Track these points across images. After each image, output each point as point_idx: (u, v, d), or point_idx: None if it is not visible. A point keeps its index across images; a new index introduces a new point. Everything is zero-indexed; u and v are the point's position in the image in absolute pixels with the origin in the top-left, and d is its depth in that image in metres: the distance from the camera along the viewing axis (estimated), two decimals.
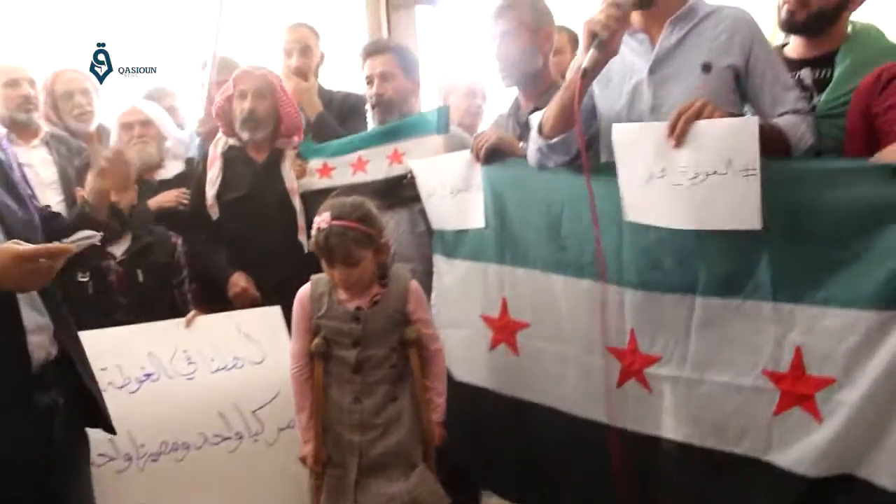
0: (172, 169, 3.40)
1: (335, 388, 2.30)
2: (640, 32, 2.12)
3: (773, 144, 1.84)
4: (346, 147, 3.00)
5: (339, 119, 3.49)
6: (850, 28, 2.20)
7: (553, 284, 2.27)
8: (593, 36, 1.91)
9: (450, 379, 2.49)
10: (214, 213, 3.05)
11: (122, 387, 2.51)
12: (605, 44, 1.91)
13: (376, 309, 2.28)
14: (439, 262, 2.71)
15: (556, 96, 2.13)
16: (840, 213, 1.67)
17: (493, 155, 2.42)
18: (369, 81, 3.00)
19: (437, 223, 2.69)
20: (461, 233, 2.58)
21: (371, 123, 3.23)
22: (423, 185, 2.67)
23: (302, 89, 3.43)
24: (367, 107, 3.07)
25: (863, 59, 2.09)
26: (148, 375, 2.56)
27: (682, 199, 1.82)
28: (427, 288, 2.68)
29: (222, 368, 2.64)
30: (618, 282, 2.09)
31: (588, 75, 1.94)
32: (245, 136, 3.06)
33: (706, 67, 2.02)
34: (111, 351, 2.52)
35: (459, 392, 2.55)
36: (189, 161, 3.46)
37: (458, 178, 2.53)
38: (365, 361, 2.26)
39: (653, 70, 2.09)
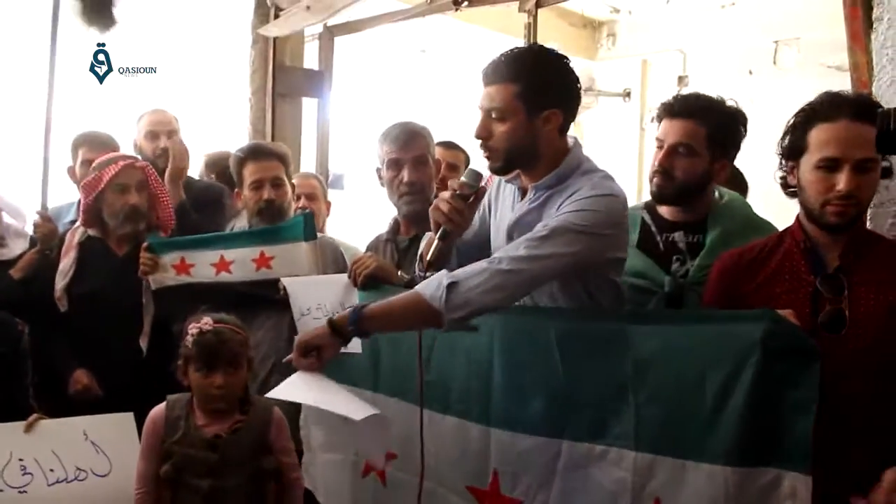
0: (15, 247, 3.14)
1: None
2: (518, 188, 2.11)
3: (404, 312, 1.91)
4: (202, 243, 2.89)
5: (195, 209, 3.37)
6: (717, 195, 2.35)
7: (418, 417, 2.24)
8: (438, 226, 1.97)
9: None
10: (62, 305, 2.90)
11: None
12: (449, 234, 1.98)
13: (235, 437, 2.21)
14: None
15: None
16: (698, 368, 1.75)
17: (371, 280, 2.42)
18: (258, 186, 2.85)
19: None
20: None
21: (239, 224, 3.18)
22: (296, 304, 2.61)
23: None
24: (246, 211, 2.96)
25: (729, 229, 2.24)
26: None
27: None
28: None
29: (62, 480, 2.43)
30: (486, 421, 2.10)
31: (434, 265, 1.97)
32: (126, 229, 2.94)
33: None
34: None
35: None
36: (34, 240, 3.23)
37: (336, 301, 2.49)
38: (217, 492, 2.17)
39: (511, 228, 2.07)
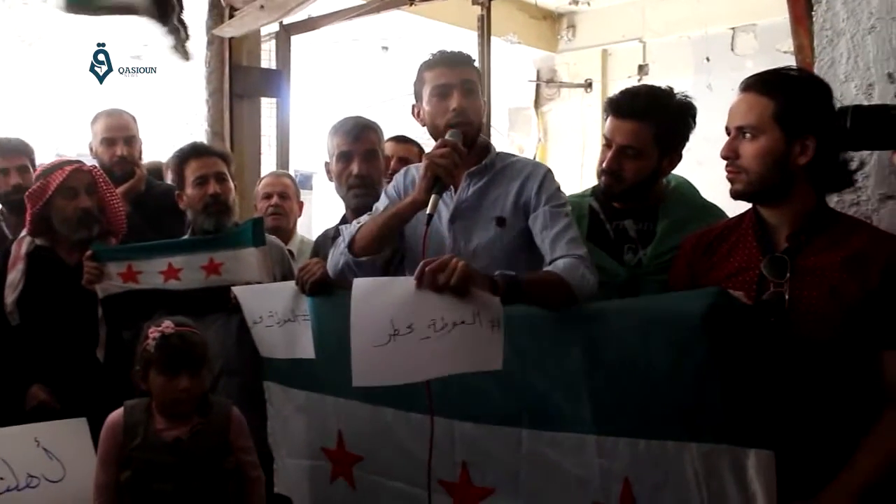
0: None
1: None
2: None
3: (553, 289, 1.92)
4: (149, 250, 2.77)
5: (154, 214, 3.27)
6: (665, 182, 2.33)
7: (384, 417, 2.24)
8: (436, 179, 1.97)
9: None
10: (13, 319, 2.80)
11: None
12: (445, 188, 2.00)
13: (196, 439, 2.19)
14: (275, 389, 2.60)
15: (378, 216, 2.17)
16: (647, 349, 1.75)
17: (320, 286, 2.34)
18: (202, 181, 2.75)
19: (265, 351, 2.58)
20: (295, 361, 2.48)
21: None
22: (248, 312, 2.56)
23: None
24: (190, 210, 2.83)
25: (680, 217, 2.23)
26: None
27: (430, 351, 1.80)
28: (257, 403, 2.59)
29: (13, 489, 2.40)
30: (448, 414, 2.08)
31: (431, 220, 1.97)
32: (80, 235, 2.81)
33: (500, 221, 2.13)
34: None
35: None
36: None
37: (286, 308, 2.44)
38: (181, 495, 2.14)
39: (452, 219, 2.16)
